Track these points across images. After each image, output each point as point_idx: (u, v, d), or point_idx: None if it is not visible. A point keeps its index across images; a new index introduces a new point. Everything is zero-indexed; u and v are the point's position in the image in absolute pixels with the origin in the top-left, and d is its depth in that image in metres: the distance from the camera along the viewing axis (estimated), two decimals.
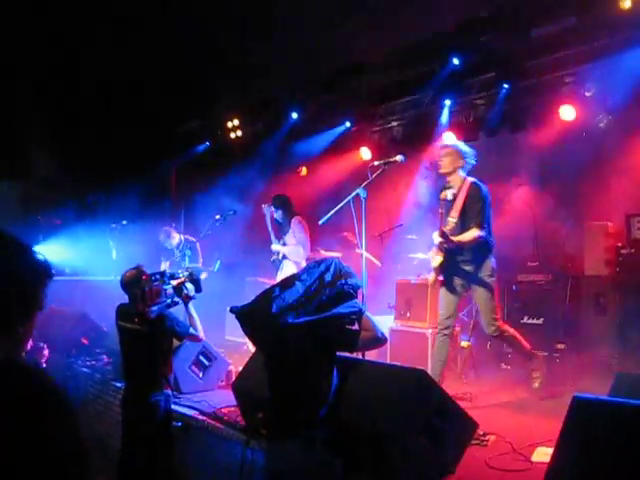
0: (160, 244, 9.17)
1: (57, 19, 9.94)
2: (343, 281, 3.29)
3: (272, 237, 7.98)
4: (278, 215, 7.92)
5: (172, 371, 5.01)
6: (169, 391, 4.81)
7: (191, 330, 4.93)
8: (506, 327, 5.95)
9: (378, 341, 3.57)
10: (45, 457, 1.30)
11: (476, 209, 5.76)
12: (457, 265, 5.88)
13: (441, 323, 6.03)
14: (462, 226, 5.80)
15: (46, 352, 4.90)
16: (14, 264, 1.63)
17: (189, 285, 5.01)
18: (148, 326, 4.67)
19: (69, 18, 9.86)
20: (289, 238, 7.85)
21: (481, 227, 5.70)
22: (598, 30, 6.90)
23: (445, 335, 5.96)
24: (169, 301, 4.85)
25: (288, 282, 3.35)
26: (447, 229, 5.74)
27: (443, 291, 6.03)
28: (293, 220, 7.84)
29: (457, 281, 5.94)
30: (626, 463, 2.61)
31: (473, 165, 6.01)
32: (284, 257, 7.83)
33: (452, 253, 5.81)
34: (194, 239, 8.84)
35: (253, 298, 3.56)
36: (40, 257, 1.71)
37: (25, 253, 1.67)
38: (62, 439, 1.33)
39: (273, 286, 3.41)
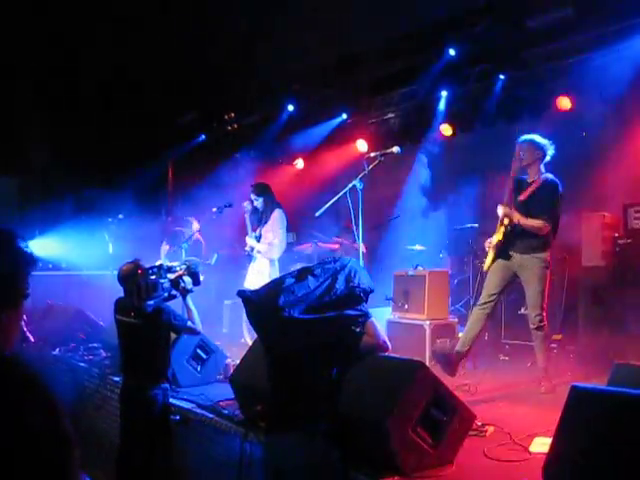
0: (166, 231, 9.14)
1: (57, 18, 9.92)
2: (356, 283, 3.26)
3: (249, 230, 7.75)
4: (259, 203, 7.63)
5: (170, 365, 5.00)
6: (167, 385, 4.81)
7: (189, 323, 4.92)
8: (547, 328, 5.98)
9: (379, 348, 3.57)
10: (25, 445, 1.30)
11: (549, 203, 5.81)
12: (514, 249, 5.92)
13: (483, 298, 6.03)
14: (525, 212, 5.84)
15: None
16: None
17: (187, 278, 4.98)
18: (145, 320, 4.66)
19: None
20: (266, 231, 7.59)
21: (549, 221, 5.76)
22: (595, 20, 6.88)
23: (482, 310, 5.98)
24: (166, 295, 4.84)
25: (301, 275, 3.32)
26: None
27: (495, 268, 6.03)
28: (276, 212, 7.61)
29: (510, 265, 5.96)
30: (624, 453, 2.61)
31: (552, 157, 6.03)
32: (258, 252, 7.69)
33: (513, 235, 5.87)
34: (201, 239, 8.74)
35: (263, 285, 3.55)
36: (22, 245, 1.70)
37: (5, 240, 1.66)
38: (42, 427, 1.33)
39: (285, 276, 3.38)
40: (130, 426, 4.75)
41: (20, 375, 1.37)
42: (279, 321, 3.21)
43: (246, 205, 7.77)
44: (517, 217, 5.80)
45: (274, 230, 7.54)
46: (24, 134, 11.81)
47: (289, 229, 8.68)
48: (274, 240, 7.54)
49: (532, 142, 6.06)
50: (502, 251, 5.97)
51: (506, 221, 5.86)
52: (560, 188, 5.90)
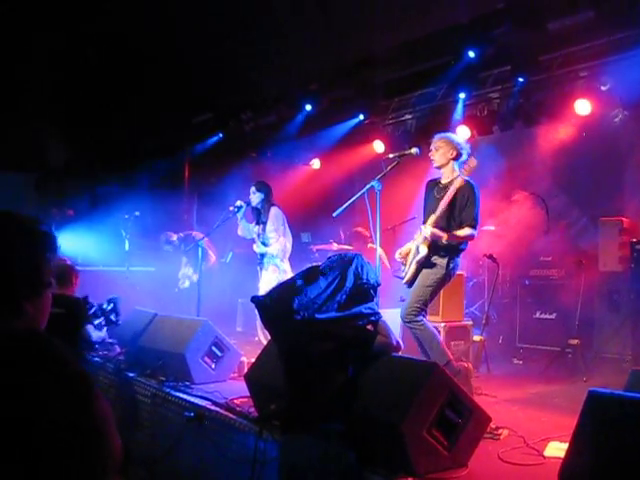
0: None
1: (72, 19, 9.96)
2: (364, 279, 3.28)
3: (255, 238, 7.68)
4: (257, 198, 7.56)
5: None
6: None
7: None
8: (424, 323, 5.45)
9: (392, 348, 3.58)
10: (69, 437, 1.32)
11: (470, 208, 5.38)
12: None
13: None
14: (447, 220, 5.42)
15: None
16: (13, 238, 1.54)
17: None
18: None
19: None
20: (269, 231, 7.53)
21: (474, 227, 5.39)
22: (615, 24, 6.84)
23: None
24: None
25: (311, 275, 3.34)
26: (432, 221, 5.37)
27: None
28: (272, 210, 7.56)
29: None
30: None
31: (467, 159, 5.53)
32: (270, 257, 7.65)
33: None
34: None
35: (274, 288, 3.56)
36: (43, 228, 1.61)
37: (25, 226, 1.58)
38: (91, 417, 1.35)
39: (296, 278, 3.40)
40: None
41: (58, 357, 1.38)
42: (294, 324, 3.23)
43: (232, 209, 7.72)
44: (449, 236, 5.32)
45: (276, 228, 7.55)
46: (41, 131, 11.89)
47: (304, 229, 8.68)
48: (280, 238, 7.56)
49: (447, 139, 5.56)
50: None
51: (434, 240, 5.32)
52: (477, 190, 5.44)
